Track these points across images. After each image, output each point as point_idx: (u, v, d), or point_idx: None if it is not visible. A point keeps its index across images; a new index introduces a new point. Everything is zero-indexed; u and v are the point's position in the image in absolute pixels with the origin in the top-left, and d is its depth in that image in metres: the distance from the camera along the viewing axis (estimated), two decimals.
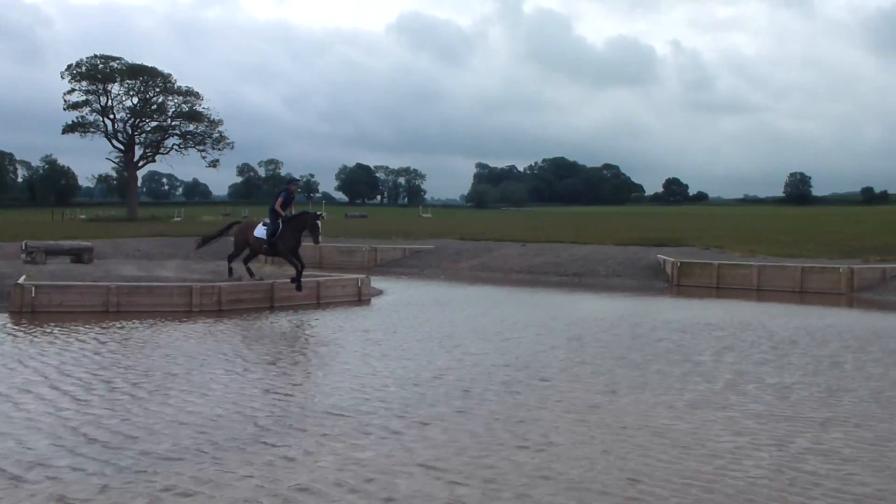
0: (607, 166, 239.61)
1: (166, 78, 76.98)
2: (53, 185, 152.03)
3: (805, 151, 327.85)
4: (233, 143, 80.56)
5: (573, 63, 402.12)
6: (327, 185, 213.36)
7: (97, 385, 10.22)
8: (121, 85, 75.57)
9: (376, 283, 20.67)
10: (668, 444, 7.91)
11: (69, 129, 76.14)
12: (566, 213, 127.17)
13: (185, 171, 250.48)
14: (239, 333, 14.71)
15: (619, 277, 25.93)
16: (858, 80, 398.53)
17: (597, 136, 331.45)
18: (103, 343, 13.35)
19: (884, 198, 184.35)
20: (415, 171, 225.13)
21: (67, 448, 7.62)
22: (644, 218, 79.08)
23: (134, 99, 76.38)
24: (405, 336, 14.43)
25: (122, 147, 76.68)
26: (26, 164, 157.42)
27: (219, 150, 79.50)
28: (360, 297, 18.97)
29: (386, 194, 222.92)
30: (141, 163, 79.34)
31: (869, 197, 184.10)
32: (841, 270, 22.82)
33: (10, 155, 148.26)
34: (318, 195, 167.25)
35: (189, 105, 77.89)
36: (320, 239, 18.41)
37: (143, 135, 78.06)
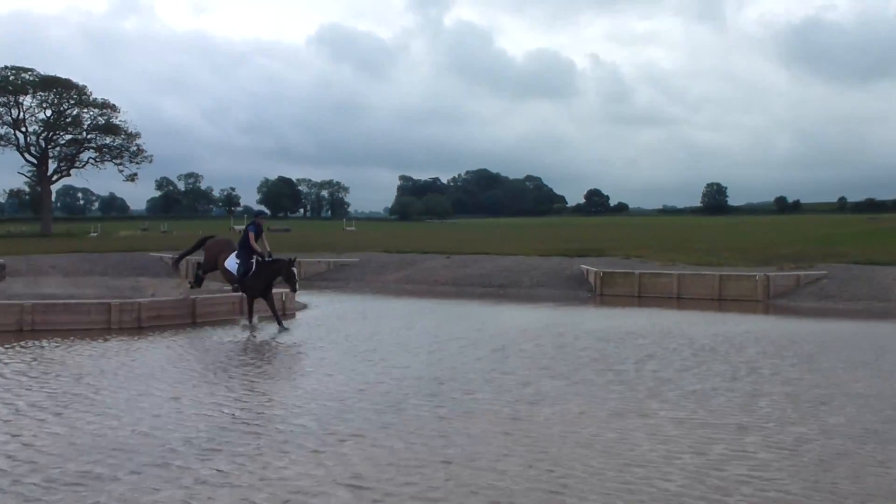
0: (530, 178, 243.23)
1: (81, 90, 74.66)
2: None
3: (721, 162, 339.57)
4: (151, 156, 78.66)
5: (495, 76, 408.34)
6: (249, 198, 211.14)
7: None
8: (33, 97, 73.00)
9: (300, 297, 20.33)
10: (593, 453, 7.88)
11: None
12: (490, 224, 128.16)
13: (102, 186, 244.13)
14: (157, 351, 14.21)
15: (543, 288, 26.10)
16: (771, 92, 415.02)
17: (519, 148, 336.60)
18: (6, 364, 12.70)
19: (797, 207, 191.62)
20: (338, 183, 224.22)
21: None
22: (566, 229, 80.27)
23: (47, 111, 73.86)
24: (329, 351, 14.16)
25: (34, 161, 74.01)
26: None
27: (136, 163, 77.49)
28: (285, 312, 18.58)
29: (309, 207, 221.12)
30: (55, 177, 76.95)
31: (783, 206, 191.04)
32: (757, 278, 23.42)
33: None
34: (239, 209, 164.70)
35: (105, 118, 75.70)
36: (297, 286, 17.87)
37: (58, 148, 75.56)
